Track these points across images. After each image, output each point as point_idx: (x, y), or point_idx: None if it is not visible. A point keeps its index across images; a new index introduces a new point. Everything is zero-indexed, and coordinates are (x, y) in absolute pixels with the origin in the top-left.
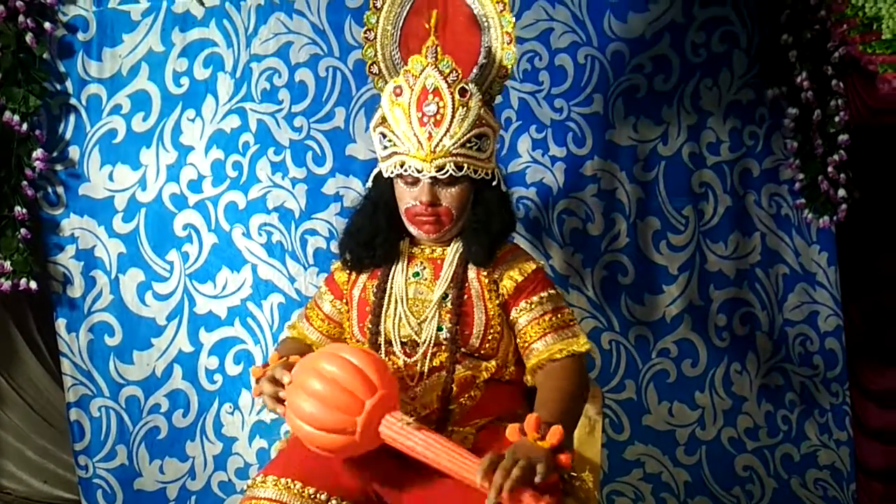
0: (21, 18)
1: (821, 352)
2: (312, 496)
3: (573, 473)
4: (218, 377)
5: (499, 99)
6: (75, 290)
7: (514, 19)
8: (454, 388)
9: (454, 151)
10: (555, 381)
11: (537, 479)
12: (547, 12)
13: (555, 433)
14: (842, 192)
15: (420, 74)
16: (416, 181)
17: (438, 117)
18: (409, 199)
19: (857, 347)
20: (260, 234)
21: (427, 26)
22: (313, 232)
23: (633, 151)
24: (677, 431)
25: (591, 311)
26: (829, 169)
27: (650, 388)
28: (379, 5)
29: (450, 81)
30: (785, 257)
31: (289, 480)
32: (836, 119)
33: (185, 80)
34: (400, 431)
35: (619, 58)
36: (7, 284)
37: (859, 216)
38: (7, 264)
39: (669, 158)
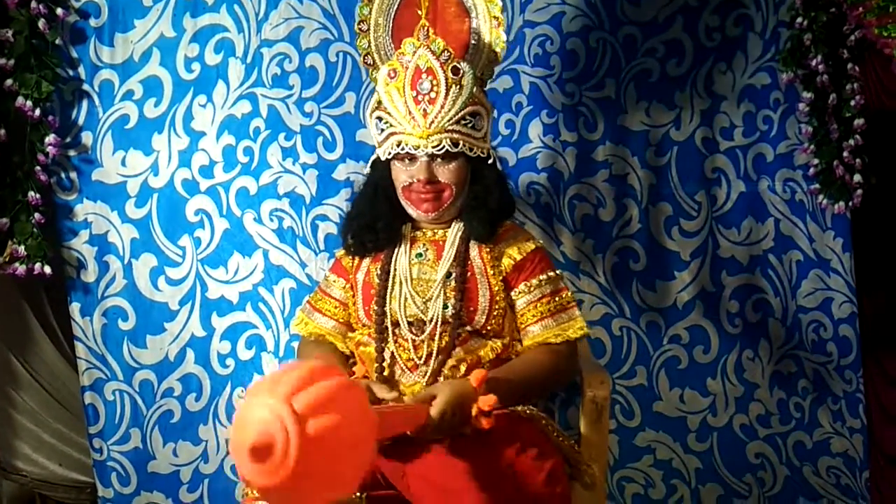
0: (33, 4)
1: (834, 339)
2: None
3: (578, 456)
4: (230, 361)
5: (510, 83)
6: (89, 275)
7: (500, 3)
8: (449, 364)
9: (449, 128)
10: (538, 353)
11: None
12: None
13: (477, 375)
14: (857, 178)
15: (413, 55)
16: (413, 159)
17: (433, 95)
18: (405, 177)
19: (880, 332)
20: (271, 220)
21: (419, 13)
22: (324, 217)
23: (645, 136)
24: (688, 418)
25: (602, 298)
26: (845, 154)
27: (661, 374)
28: None
29: (442, 60)
30: (799, 243)
31: None
32: (852, 103)
33: (196, 66)
34: None
35: (632, 42)
36: (22, 269)
37: (875, 201)
38: (21, 249)
39: (682, 143)
